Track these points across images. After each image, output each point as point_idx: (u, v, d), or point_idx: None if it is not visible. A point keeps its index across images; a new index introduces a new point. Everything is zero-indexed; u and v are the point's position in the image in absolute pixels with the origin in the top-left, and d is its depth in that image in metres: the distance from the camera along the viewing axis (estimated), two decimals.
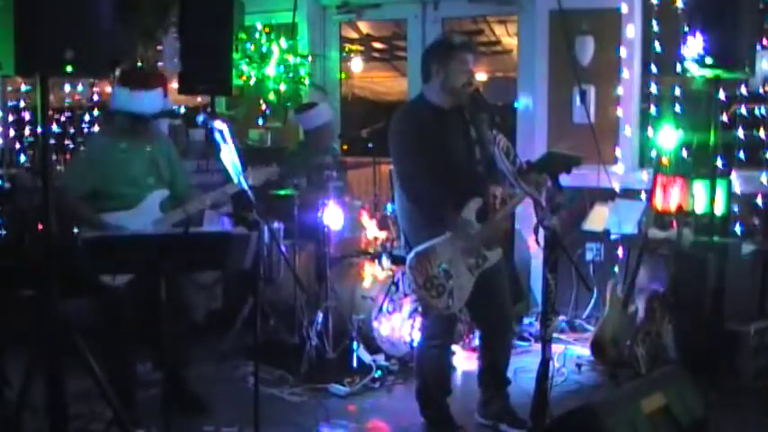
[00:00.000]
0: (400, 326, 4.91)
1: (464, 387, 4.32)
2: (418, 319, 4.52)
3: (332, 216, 4.98)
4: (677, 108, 5.52)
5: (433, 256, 3.68)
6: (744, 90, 5.24)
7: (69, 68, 2.86)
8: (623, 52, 5.76)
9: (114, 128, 4.10)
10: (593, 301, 5.68)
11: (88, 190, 3.94)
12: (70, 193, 3.92)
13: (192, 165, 5.75)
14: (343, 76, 7.48)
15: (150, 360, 4.39)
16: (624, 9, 5.73)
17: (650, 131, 5.66)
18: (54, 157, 6.71)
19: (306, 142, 5.75)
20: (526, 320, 5.72)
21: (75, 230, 3.94)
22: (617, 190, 5.71)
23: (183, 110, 6.60)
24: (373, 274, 5.13)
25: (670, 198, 5.02)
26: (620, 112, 5.82)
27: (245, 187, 3.62)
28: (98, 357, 3.83)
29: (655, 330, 4.57)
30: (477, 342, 4.55)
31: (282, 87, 6.65)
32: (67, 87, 6.95)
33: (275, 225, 5.17)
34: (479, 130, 3.84)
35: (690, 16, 4.62)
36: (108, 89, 6.49)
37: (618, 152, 5.82)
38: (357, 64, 7.80)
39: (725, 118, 5.21)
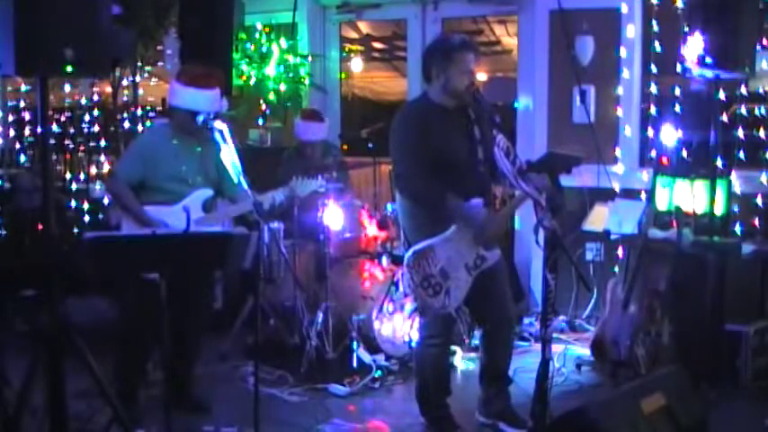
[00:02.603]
0: (400, 326, 4.91)
1: (464, 387, 4.33)
2: (418, 319, 4.52)
3: (332, 216, 4.98)
4: (677, 108, 5.52)
5: (431, 254, 3.68)
6: (744, 90, 5.24)
7: (69, 68, 2.86)
8: (623, 52, 5.76)
9: (170, 123, 4.12)
10: (593, 301, 5.68)
11: (136, 180, 3.97)
12: (120, 181, 3.98)
13: None
14: (343, 76, 7.48)
15: (150, 360, 4.39)
16: (624, 9, 5.73)
17: (650, 131, 5.67)
18: (54, 157, 6.72)
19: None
20: (526, 320, 5.71)
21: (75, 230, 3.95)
22: (617, 190, 5.71)
23: None
24: (373, 274, 5.14)
25: (670, 198, 5.02)
26: (620, 112, 5.82)
27: (245, 187, 3.62)
28: (113, 355, 3.87)
29: (655, 330, 4.57)
30: (477, 341, 4.55)
31: (282, 87, 6.65)
32: (67, 87, 6.95)
33: (275, 225, 5.17)
34: (483, 130, 3.84)
35: (690, 16, 4.62)
36: (108, 89, 6.50)
37: (618, 152, 5.83)
38: (357, 64, 7.80)
39: (725, 118, 5.21)
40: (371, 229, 5.35)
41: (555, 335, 5.04)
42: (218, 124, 3.64)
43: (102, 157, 6.70)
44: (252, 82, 6.65)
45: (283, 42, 6.67)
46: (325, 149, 5.64)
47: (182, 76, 4.04)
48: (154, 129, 4.26)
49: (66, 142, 7.00)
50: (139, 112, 6.43)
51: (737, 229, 5.17)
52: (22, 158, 7.23)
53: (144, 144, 4.14)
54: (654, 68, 5.64)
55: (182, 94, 3.96)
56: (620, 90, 5.81)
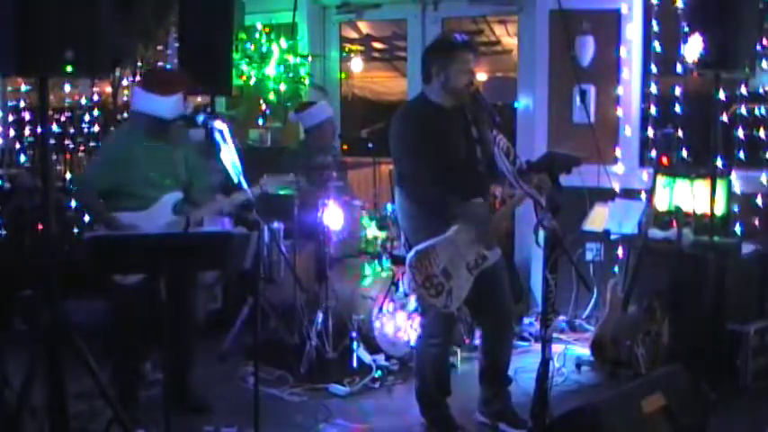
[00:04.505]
0: (400, 326, 4.91)
1: (464, 387, 4.33)
2: (418, 319, 4.52)
3: (332, 216, 4.98)
4: (677, 108, 5.52)
5: (432, 254, 3.68)
6: (744, 90, 5.24)
7: (69, 68, 2.86)
8: (623, 52, 5.76)
9: (133, 126, 4.08)
10: (593, 301, 5.68)
11: (106, 187, 3.92)
12: (89, 189, 3.94)
13: None
14: (343, 76, 7.49)
15: (150, 360, 4.40)
16: (624, 9, 5.73)
17: (650, 131, 5.67)
18: (54, 157, 6.72)
19: (307, 141, 5.76)
20: (526, 320, 5.71)
21: (75, 230, 3.94)
22: (617, 190, 5.71)
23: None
24: (373, 274, 5.14)
25: (670, 198, 5.01)
26: (620, 112, 5.82)
27: (246, 187, 3.62)
28: (108, 357, 3.87)
29: (655, 330, 4.57)
30: (477, 342, 4.55)
31: (282, 87, 6.65)
32: (67, 87, 6.95)
33: (275, 225, 5.16)
34: (481, 130, 3.84)
35: (690, 16, 4.62)
36: (108, 89, 6.50)
37: (618, 152, 5.83)
38: (357, 64, 7.79)
39: (725, 118, 5.21)
40: (371, 230, 5.35)
41: (555, 335, 5.03)
42: (219, 124, 3.63)
43: None
44: (252, 82, 6.65)
45: (283, 42, 6.67)
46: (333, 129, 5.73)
47: (143, 81, 3.99)
48: (121, 133, 4.21)
49: (66, 142, 6.99)
50: None
51: (737, 229, 5.17)
52: (22, 158, 7.22)
53: (112, 149, 4.07)
54: (654, 68, 5.64)
55: (142, 99, 3.92)
56: (620, 90, 5.81)
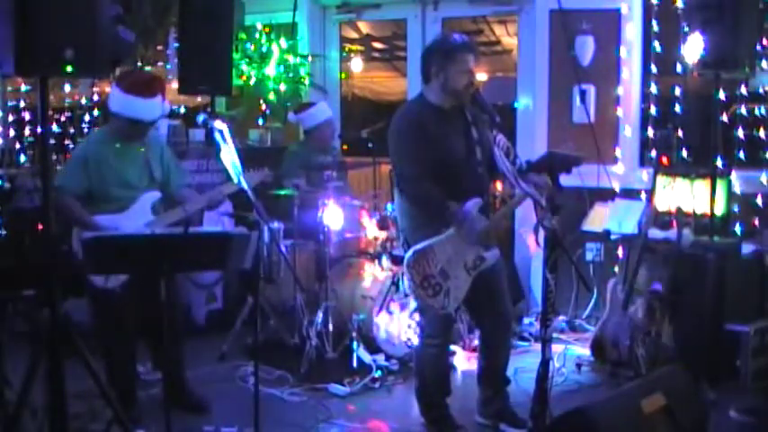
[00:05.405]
0: (400, 326, 4.91)
1: (464, 387, 4.33)
2: (418, 319, 4.52)
3: (332, 216, 4.98)
4: (677, 108, 5.52)
5: (431, 255, 3.68)
6: (744, 90, 5.24)
7: (69, 68, 2.86)
8: (623, 52, 5.76)
9: (110, 129, 4.06)
10: (593, 301, 5.68)
11: (83, 190, 3.89)
12: (66, 193, 3.88)
13: (192, 165, 5.75)
14: (343, 76, 7.49)
15: (150, 360, 4.39)
16: (624, 9, 5.73)
17: (650, 131, 5.67)
18: (54, 157, 6.71)
19: (307, 141, 5.77)
20: (526, 320, 5.71)
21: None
22: (617, 190, 5.71)
23: (183, 110, 6.61)
24: (373, 274, 5.14)
25: (670, 198, 5.02)
26: (620, 112, 5.83)
27: (246, 187, 3.61)
28: (99, 357, 3.87)
29: (655, 330, 4.57)
30: (476, 342, 4.55)
31: (282, 87, 6.65)
32: (67, 87, 6.95)
33: (275, 225, 5.17)
34: (481, 131, 3.84)
35: (690, 16, 4.63)
36: (108, 89, 6.49)
37: (618, 152, 5.83)
38: (357, 64, 7.79)
39: (725, 118, 5.21)
40: (371, 229, 5.35)
41: (555, 335, 5.03)
42: (219, 124, 3.62)
43: None
44: (252, 82, 6.65)
45: (283, 42, 6.67)
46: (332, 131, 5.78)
47: (121, 82, 3.93)
48: (93, 135, 4.17)
49: (67, 142, 6.99)
50: None
51: (737, 229, 5.17)
52: (22, 158, 7.22)
53: (85, 153, 4.01)
54: (654, 68, 5.64)
55: (121, 101, 3.89)
56: (620, 90, 5.81)
